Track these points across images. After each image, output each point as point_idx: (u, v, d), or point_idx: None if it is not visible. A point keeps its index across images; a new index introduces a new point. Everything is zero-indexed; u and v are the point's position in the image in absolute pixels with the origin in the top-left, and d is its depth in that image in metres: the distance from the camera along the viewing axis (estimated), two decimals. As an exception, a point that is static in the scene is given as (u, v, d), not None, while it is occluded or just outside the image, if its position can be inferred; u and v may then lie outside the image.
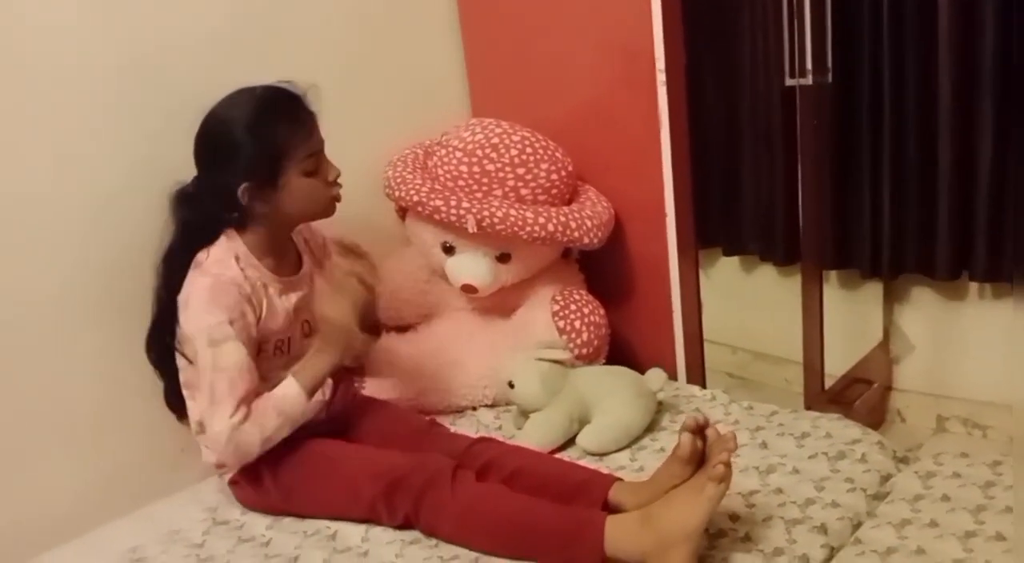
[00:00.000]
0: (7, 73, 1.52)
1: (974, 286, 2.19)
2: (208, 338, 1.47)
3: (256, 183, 1.50)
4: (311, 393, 1.52)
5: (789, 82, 1.91)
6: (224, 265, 1.52)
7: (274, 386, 1.53)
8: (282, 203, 1.54)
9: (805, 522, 1.38)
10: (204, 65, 1.74)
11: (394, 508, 1.46)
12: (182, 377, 1.56)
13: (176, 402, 1.59)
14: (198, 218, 1.54)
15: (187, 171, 1.57)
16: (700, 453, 1.34)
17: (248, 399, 1.48)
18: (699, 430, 1.34)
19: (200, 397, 1.49)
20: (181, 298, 1.51)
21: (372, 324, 1.68)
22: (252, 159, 1.49)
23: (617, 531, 1.29)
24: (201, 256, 1.52)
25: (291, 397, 1.50)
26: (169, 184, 1.57)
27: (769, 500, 1.45)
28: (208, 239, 1.55)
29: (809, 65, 1.87)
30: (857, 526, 1.38)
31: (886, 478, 1.50)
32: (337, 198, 1.60)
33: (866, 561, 1.28)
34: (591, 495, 1.42)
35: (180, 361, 1.54)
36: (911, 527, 1.35)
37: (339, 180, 1.59)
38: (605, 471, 1.52)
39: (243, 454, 1.49)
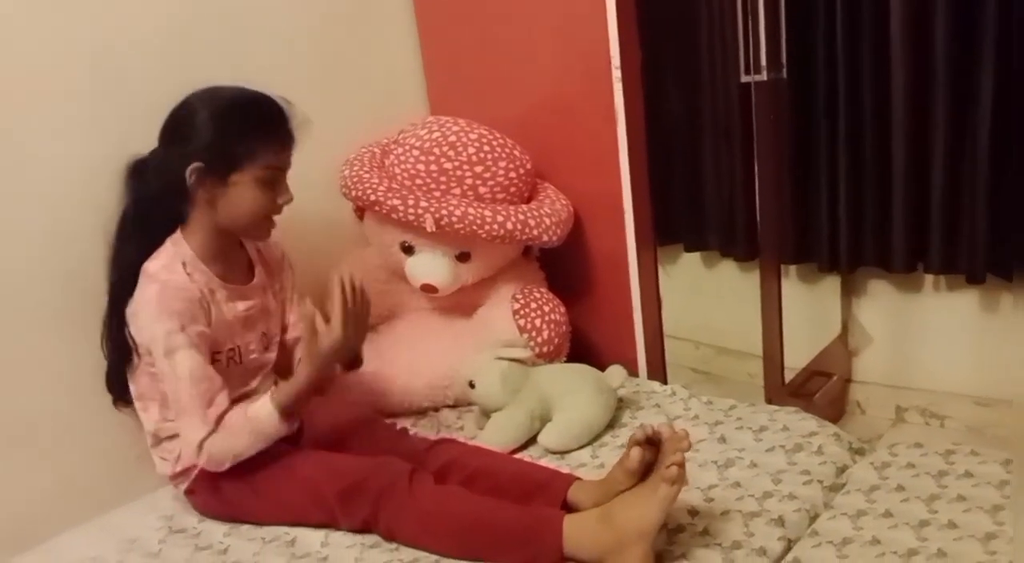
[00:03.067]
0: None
1: (929, 278, 2.23)
2: (163, 348, 1.45)
3: (206, 167, 1.47)
4: (287, 412, 1.47)
5: (744, 78, 1.92)
6: (170, 270, 1.50)
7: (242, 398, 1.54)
8: (223, 204, 1.50)
9: (763, 515, 1.39)
10: (164, 63, 1.72)
11: (352, 512, 1.45)
12: (134, 389, 1.55)
13: (115, 386, 1.58)
14: (149, 192, 1.52)
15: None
16: (649, 465, 1.33)
17: (211, 406, 1.47)
18: (648, 441, 1.33)
19: (173, 407, 1.49)
20: (131, 309, 1.49)
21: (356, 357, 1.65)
22: (212, 144, 1.46)
23: (575, 530, 1.30)
24: (148, 265, 1.50)
25: (263, 418, 1.47)
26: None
27: (727, 494, 1.46)
28: (157, 216, 1.52)
29: (764, 61, 1.88)
30: (814, 518, 1.39)
31: (842, 470, 1.51)
32: (274, 223, 1.57)
33: (822, 552, 1.29)
34: (550, 494, 1.42)
35: (135, 372, 1.53)
36: (866, 517, 1.36)
37: (286, 208, 1.55)
38: (565, 470, 1.52)
39: (215, 464, 1.49)
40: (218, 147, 1.46)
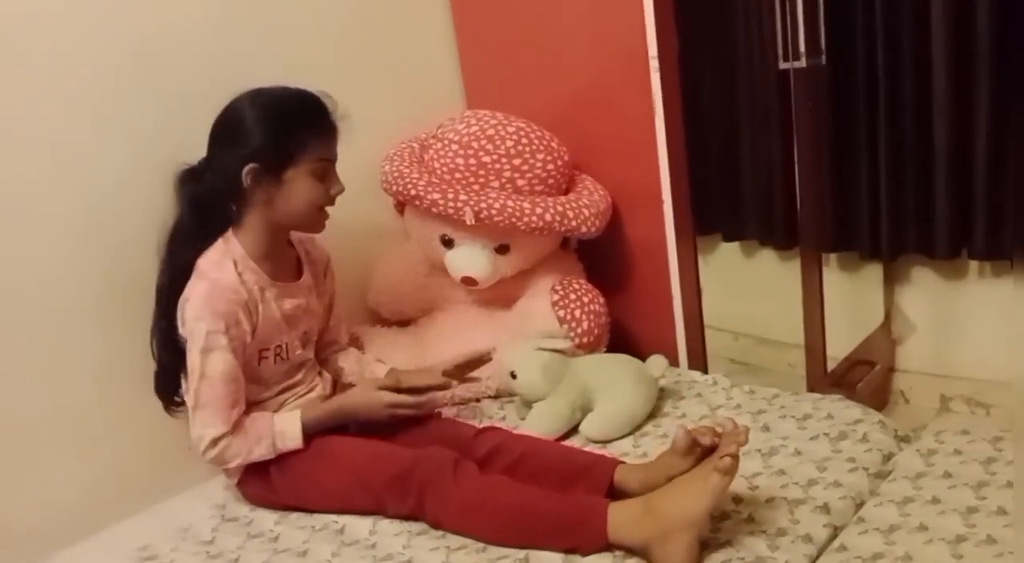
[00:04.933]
0: (6, 64, 1.53)
1: (974, 265, 2.19)
2: (202, 345, 1.49)
3: (262, 167, 1.50)
4: (309, 436, 1.55)
5: (783, 65, 1.91)
6: (221, 268, 1.53)
7: (268, 399, 1.58)
8: (280, 200, 1.54)
9: (808, 502, 1.38)
10: (204, 58, 1.75)
11: (399, 501, 1.47)
12: (185, 383, 1.57)
13: (165, 390, 1.61)
14: (204, 195, 1.55)
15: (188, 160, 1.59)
16: (703, 451, 1.34)
17: (235, 408, 1.51)
18: (694, 443, 1.35)
19: (190, 399, 1.52)
20: (181, 301, 1.52)
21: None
22: (265, 144, 1.50)
23: (620, 518, 1.30)
24: (200, 261, 1.53)
25: (288, 435, 1.54)
26: (169, 176, 1.58)
27: (772, 482, 1.46)
28: (213, 218, 1.56)
29: (803, 48, 1.86)
30: (860, 505, 1.39)
31: (888, 457, 1.50)
32: (327, 215, 1.61)
33: (869, 539, 1.29)
34: (596, 477, 1.43)
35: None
36: (913, 504, 1.35)
37: (338, 198, 1.59)
38: (609, 456, 1.53)
39: (220, 463, 1.53)
40: (271, 146, 1.50)
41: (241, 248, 1.56)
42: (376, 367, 1.78)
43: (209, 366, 1.48)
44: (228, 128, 1.54)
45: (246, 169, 1.49)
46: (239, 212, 1.56)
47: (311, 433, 1.56)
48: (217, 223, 1.57)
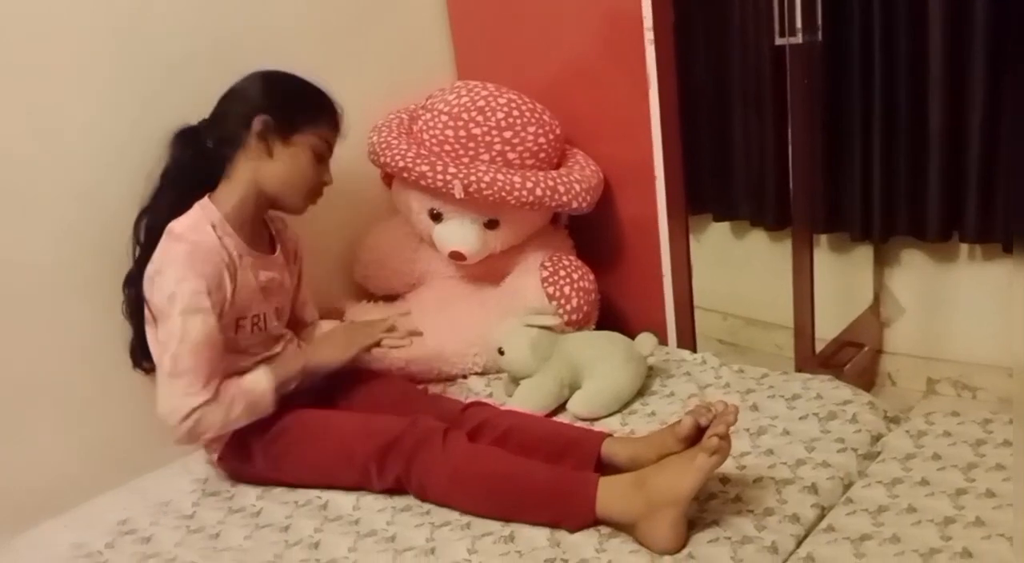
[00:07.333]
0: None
1: (965, 247, 2.18)
2: (183, 306, 1.43)
3: (274, 120, 1.52)
4: (279, 390, 1.52)
5: (779, 41, 1.88)
6: (201, 231, 1.49)
7: (247, 369, 1.54)
8: (278, 161, 1.54)
9: (796, 482, 1.37)
10: (190, 25, 1.71)
11: (385, 469, 1.45)
12: (154, 354, 1.52)
13: (140, 353, 1.59)
14: (195, 153, 1.56)
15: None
16: (699, 435, 1.32)
17: (215, 375, 1.45)
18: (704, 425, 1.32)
19: (165, 366, 1.44)
20: (152, 267, 1.47)
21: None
22: (281, 102, 1.53)
23: (609, 493, 1.29)
24: (174, 225, 1.49)
25: (259, 392, 1.50)
26: (159, 152, 1.57)
27: (760, 461, 1.45)
28: (198, 176, 1.55)
29: (799, 23, 1.84)
30: (848, 486, 1.38)
31: (877, 438, 1.50)
32: (313, 201, 1.62)
33: (857, 520, 1.28)
34: (583, 451, 1.41)
35: (151, 337, 1.51)
36: (902, 485, 1.34)
37: (324, 191, 1.62)
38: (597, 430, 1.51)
39: (198, 434, 1.46)
40: (286, 106, 1.54)
41: (219, 213, 1.53)
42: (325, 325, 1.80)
43: (191, 330, 1.43)
44: (241, 89, 1.56)
45: (258, 117, 1.50)
46: (228, 169, 1.54)
47: (281, 391, 1.52)
48: (198, 183, 1.55)
